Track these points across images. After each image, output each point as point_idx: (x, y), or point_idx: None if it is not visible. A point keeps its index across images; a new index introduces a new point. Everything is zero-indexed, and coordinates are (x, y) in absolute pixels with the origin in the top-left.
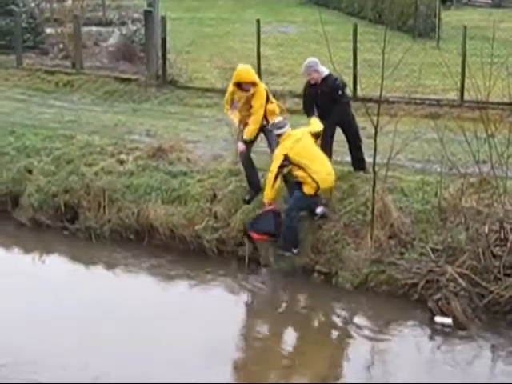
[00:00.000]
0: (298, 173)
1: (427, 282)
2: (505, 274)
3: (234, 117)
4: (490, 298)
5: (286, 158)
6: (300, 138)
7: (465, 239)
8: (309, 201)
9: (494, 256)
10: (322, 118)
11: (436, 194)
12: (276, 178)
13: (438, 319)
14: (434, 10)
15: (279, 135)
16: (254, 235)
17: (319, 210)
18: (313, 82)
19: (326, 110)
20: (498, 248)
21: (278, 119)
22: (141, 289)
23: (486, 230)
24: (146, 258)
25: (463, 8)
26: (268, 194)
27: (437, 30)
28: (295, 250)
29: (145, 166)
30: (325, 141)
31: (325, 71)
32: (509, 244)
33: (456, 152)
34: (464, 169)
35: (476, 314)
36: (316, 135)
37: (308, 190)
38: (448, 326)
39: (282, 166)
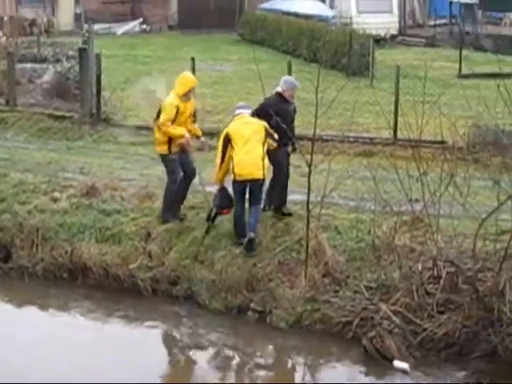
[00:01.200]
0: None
1: (361, 319)
2: (438, 312)
3: (181, 129)
4: (423, 336)
5: (227, 136)
6: (249, 123)
7: (398, 277)
8: (235, 187)
9: (428, 293)
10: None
11: (370, 232)
12: (222, 159)
13: (397, 364)
14: (367, 48)
15: (235, 115)
16: (223, 211)
17: (250, 235)
18: (291, 99)
19: (287, 133)
20: (431, 285)
21: (243, 103)
22: (74, 328)
23: (420, 268)
24: (79, 297)
25: (397, 47)
26: (217, 175)
27: (370, 68)
28: (244, 240)
29: (78, 204)
30: (284, 169)
31: None
32: (442, 281)
33: (389, 190)
34: (397, 207)
35: (410, 352)
36: (270, 134)
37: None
38: (405, 371)
39: (225, 146)
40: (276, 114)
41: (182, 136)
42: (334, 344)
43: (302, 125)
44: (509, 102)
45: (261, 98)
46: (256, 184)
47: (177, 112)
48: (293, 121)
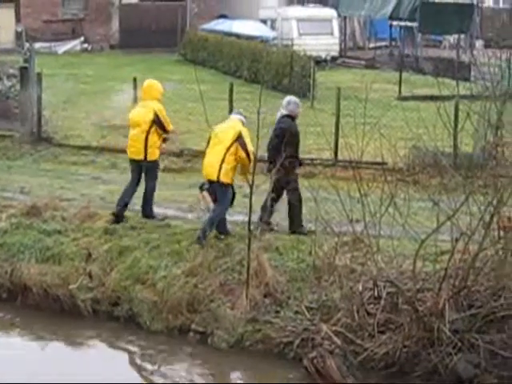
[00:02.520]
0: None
1: (302, 340)
2: (378, 332)
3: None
4: (364, 355)
5: (210, 136)
6: (229, 127)
7: (339, 297)
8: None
9: (368, 314)
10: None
11: (310, 253)
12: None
13: None
14: (308, 70)
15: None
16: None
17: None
18: (296, 117)
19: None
20: (371, 306)
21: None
22: (12, 348)
23: (360, 288)
24: (19, 318)
25: (338, 69)
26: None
27: (311, 90)
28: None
29: (18, 224)
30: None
31: None
32: (382, 302)
33: (330, 211)
34: (338, 228)
35: (351, 372)
36: (242, 144)
37: None
38: None
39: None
40: (294, 136)
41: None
42: (274, 365)
43: None
44: (448, 123)
45: (201, 118)
46: (215, 185)
47: None
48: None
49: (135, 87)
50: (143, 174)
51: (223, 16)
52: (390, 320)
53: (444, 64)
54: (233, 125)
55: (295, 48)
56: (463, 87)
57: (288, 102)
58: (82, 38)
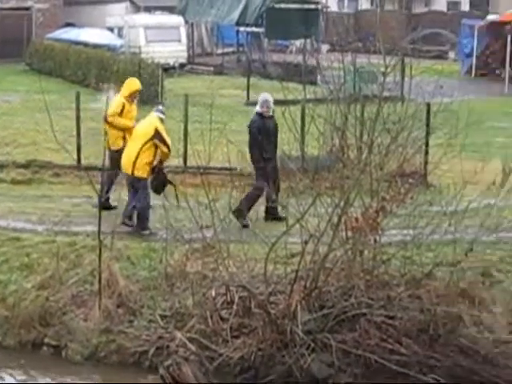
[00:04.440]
0: None
1: (157, 348)
2: (233, 336)
3: (127, 121)
4: (220, 361)
5: None
6: (146, 123)
7: (192, 304)
8: None
9: (222, 319)
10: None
11: (161, 261)
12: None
13: None
14: (156, 77)
15: None
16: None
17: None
18: (267, 114)
19: (271, 149)
20: (225, 311)
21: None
22: None
23: (213, 294)
24: None
25: (186, 75)
26: None
27: (160, 97)
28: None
29: None
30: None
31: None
32: (235, 306)
33: (181, 218)
34: (189, 235)
35: (207, 378)
36: (160, 140)
37: None
38: None
39: None
40: (258, 131)
41: (127, 127)
42: (131, 375)
43: (92, 155)
44: (293, 128)
45: (49, 128)
46: (131, 178)
47: (122, 110)
48: (276, 137)
49: None
50: None
51: (70, 24)
52: (244, 324)
53: (291, 68)
54: (151, 121)
55: (143, 56)
56: (310, 91)
57: (259, 99)
58: None
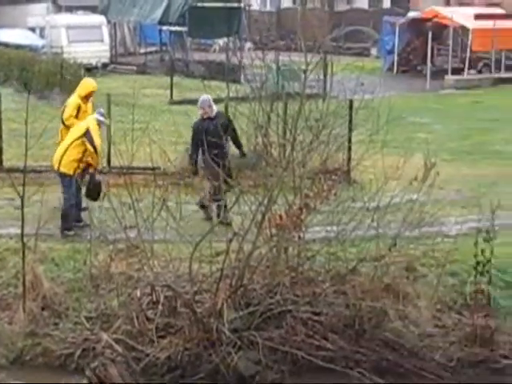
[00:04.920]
0: None
1: (84, 350)
2: (159, 336)
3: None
4: (146, 361)
5: None
6: (82, 123)
7: (118, 305)
8: None
9: (148, 319)
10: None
11: (85, 262)
12: None
13: None
14: (79, 77)
15: None
16: None
17: None
18: (205, 116)
19: (213, 149)
20: (151, 311)
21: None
22: None
23: (138, 294)
24: None
25: (109, 75)
26: None
27: None
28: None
29: None
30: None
31: (215, 109)
32: (160, 306)
33: (104, 218)
34: (113, 235)
35: (134, 379)
36: (89, 139)
37: None
38: None
39: None
40: (194, 132)
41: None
42: (57, 378)
43: (14, 157)
44: None
45: None
46: (58, 174)
47: (78, 110)
48: (221, 137)
49: None
50: None
51: None
52: (170, 324)
53: (214, 67)
54: (87, 121)
55: (65, 56)
56: (233, 89)
57: None
58: None
